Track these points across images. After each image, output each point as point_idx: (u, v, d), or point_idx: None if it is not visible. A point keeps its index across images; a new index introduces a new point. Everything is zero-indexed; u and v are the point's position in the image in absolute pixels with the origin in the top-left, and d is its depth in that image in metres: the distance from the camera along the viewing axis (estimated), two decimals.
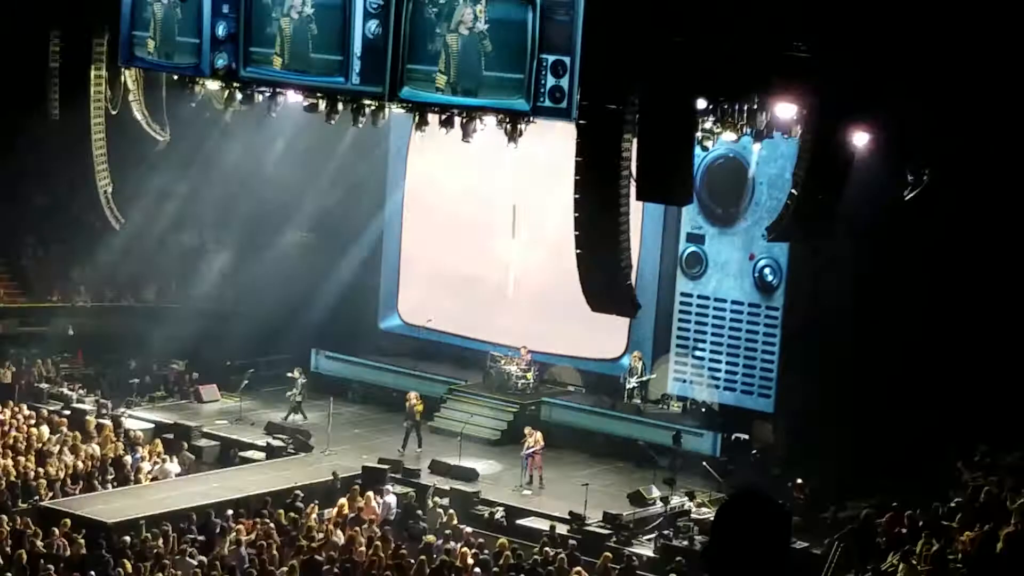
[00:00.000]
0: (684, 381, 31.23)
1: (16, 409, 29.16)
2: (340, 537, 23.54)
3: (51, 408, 29.99)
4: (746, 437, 29.83)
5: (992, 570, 18.86)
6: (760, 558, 7.13)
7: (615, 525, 25.70)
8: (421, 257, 35.25)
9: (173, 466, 27.59)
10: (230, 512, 24.52)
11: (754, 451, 29.57)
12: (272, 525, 23.62)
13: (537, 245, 33.12)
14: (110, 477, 26.55)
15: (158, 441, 28.79)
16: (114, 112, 29.07)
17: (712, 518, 23.43)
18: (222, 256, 34.94)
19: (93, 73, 28.28)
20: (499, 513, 26.52)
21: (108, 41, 28.30)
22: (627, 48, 23.69)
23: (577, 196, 24.29)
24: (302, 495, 25.72)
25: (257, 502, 25.43)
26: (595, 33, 24.32)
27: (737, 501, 7.28)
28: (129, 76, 29.13)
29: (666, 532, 25.39)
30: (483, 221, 34.21)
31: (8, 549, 21.30)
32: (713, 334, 30.84)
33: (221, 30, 27.28)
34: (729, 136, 26.39)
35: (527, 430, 28.97)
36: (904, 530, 22.00)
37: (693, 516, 26.05)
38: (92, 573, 20.38)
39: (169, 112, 30.39)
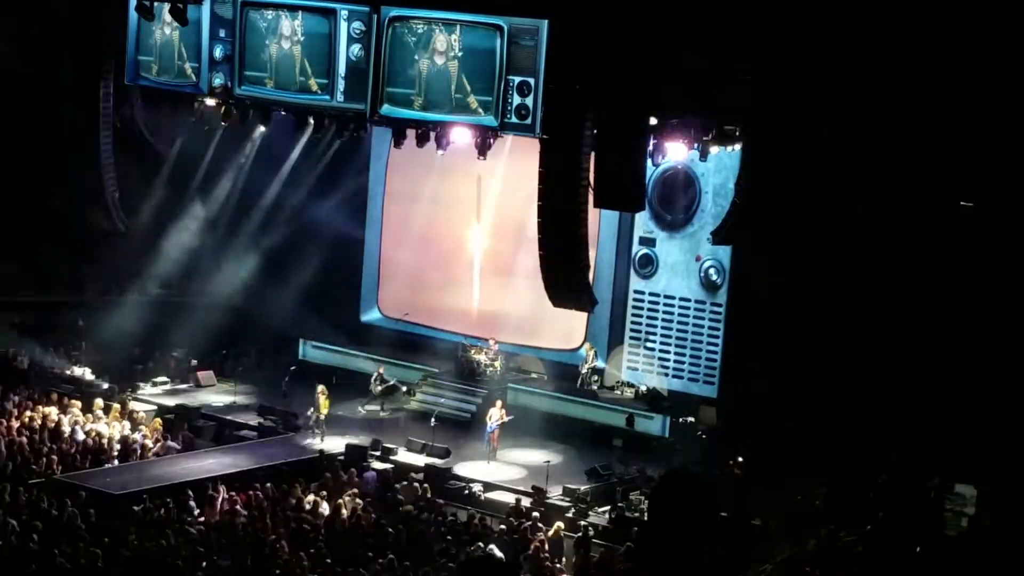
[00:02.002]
0: (636, 369, 31.62)
1: (31, 392, 29.39)
2: (326, 508, 23.85)
3: (63, 391, 30.09)
4: (692, 419, 30.25)
5: None
6: (689, 528, 7.42)
7: (573, 498, 26.01)
8: (399, 257, 35.50)
9: (173, 444, 27.75)
10: (223, 485, 24.67)
11: (699, 432, 29.97)
12: (263, 496, 23.88)
13: (503, 245, 33.45)
14: (116, 453, 26.67)
15: (159, 421, 28.92)
16: (119, 125, 29.41)
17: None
18: (219, 255, 35.03)
19: (102, 91, 28.62)
20: (472, 487, 26.76)
21: (115, 62, 28.65)
22: (586, 70, 24.07)
23: (540, 203, 24.67)
24: (290, 470, 25.99)
25: (250, 476, 25.60)
26: (557, 57, 24.73)
27: (667, 480, 7.61)
28: (135, 93, 29.53)
29: (620, 504, 25.70)
30: (455, 225, 34.53)
31: (25, 518, 21.43)
32: (663, 327, 31.24)
33: (218, 52, 27.73)
34: (678, 150, 26.81)
35: (498, 403, 29.44)
36: None
37: (643, 491, 26.27)
38: (106, 540, 20.51)
39: (171, 124, 30.73)
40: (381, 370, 32.35)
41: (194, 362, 33.49)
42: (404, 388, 32.25)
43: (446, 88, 26.13)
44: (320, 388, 29.73)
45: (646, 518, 8.11)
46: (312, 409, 29.53)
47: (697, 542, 7.44)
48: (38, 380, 30.74)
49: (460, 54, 25.70)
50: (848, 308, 27.28)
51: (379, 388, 32.00)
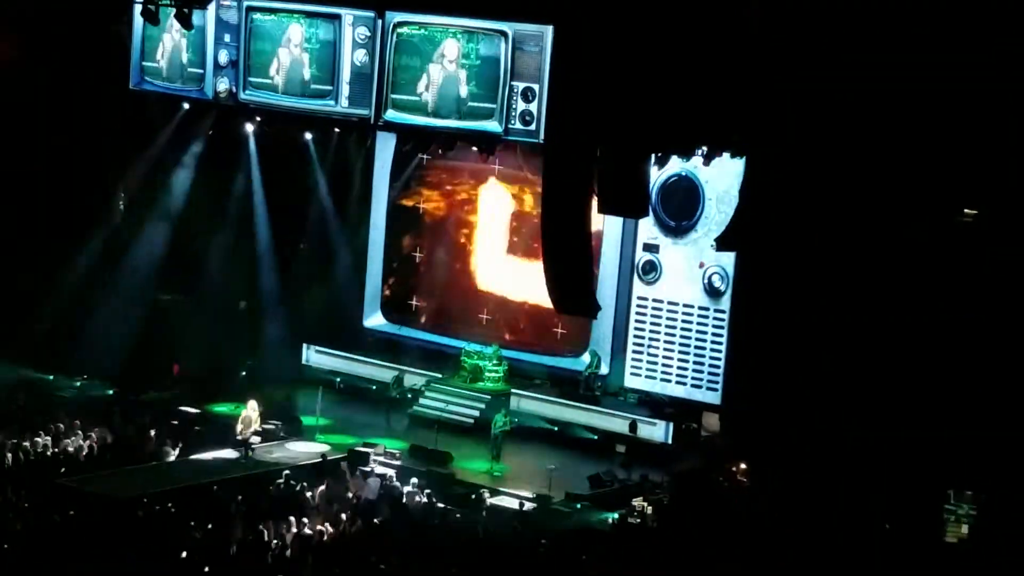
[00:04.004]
0: (639, 376, 31.67)
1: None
2: (329, 512, 23.91)
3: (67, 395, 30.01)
4: (695, 426, 30.35)
5: None
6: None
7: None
8: (403, 262, 35.58)
9: (176, 449, 27.80)
10: (219, 489, 24.73)
11: (703, 439, 30.01)
12: (266, 501, 23.95)
13: (508, 251, 33.57)
14: (120, 458, 26.62)
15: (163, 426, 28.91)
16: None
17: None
18: (226, 261, 35.03)
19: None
20: (474, 493, 26.76)
21: (120, 67, 28.88)
22: (590, 76, 24.15)
23: (544, 209, 24.77)
24: (292, 474, 26.06)
25: (252, 480, 25.67)
26: (561, 63, 24.83)
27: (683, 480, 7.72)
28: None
29: (622, 510, 25.75)
30: (460, 230, 34.63)
31: (28, 522, 21.46)
32: (666, 334, 31.25)
33: (223, 57, 27.97)
34: (682, 156, 26.90)
35: (503, 412, 29.61)
36: None
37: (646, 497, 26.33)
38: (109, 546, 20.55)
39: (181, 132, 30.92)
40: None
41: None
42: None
43: (449, 94, 26.26)
44: (251, 403, 27.98)
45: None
46: (241, 427, 27.72)
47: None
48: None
49: (465, 60, 25.86)
50: (852, 315, 27.32)
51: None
